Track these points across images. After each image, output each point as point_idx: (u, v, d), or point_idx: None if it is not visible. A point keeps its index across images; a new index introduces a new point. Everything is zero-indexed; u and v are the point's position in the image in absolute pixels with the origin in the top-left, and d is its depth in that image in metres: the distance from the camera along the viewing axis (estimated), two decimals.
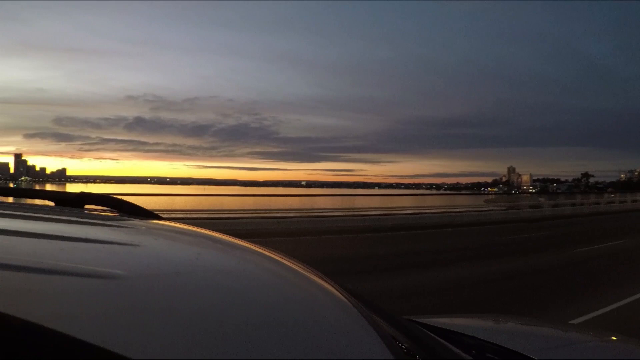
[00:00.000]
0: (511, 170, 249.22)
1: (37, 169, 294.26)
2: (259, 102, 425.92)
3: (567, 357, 1.23)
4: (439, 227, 15.19)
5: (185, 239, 0.92)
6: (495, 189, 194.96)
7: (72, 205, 1.07)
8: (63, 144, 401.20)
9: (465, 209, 20.97)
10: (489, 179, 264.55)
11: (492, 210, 22.10)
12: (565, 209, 24.55)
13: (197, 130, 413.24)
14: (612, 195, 37.02)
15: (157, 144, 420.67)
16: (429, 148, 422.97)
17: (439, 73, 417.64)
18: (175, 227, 1.00)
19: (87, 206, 1.07)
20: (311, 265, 0.89)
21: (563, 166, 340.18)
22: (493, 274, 7.22)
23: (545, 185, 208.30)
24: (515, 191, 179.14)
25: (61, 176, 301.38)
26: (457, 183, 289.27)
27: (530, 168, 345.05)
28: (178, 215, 13.10)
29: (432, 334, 1.00)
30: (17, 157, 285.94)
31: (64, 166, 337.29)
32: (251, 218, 14.94)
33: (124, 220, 0.97)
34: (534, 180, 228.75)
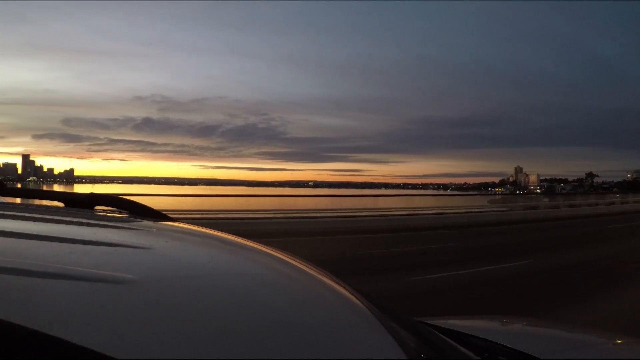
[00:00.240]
0: (518, 170, 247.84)
1: (45, 169, 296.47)
2: (267, 102, 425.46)
3: None
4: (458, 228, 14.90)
5: (196, 240, 0.91)
6: (502, 189, 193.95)
7: (81, 206, 1.06)
8: (71, 145, 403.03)
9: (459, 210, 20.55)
10: (497, 179, 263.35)
11: (480, 212, 21.34)
12: (561, 210, 23.60)
13: (205, 130, 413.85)
14: (618, 195, 36.56)
15: (165, 144, 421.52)
16: (437, 148, 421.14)
17: (447, 73, 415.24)
18: (185, 228, 1.00)
19: (96, 207, 1.07)
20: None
21: (572, 166, 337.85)
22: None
23: (551, 186, 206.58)
24: (521, 191, 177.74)
25: (69, 177, 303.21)
26: (465, 183, 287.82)
27: (539, 168, 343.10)
28: (186, 216, 13.12)
29: (443, 336, 0.99)
30: (25, 157, 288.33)
31: (71, 167, 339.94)
32: (271, 218, 14.90)
33: (134, 221, 0.96)
34: (542, 180, 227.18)
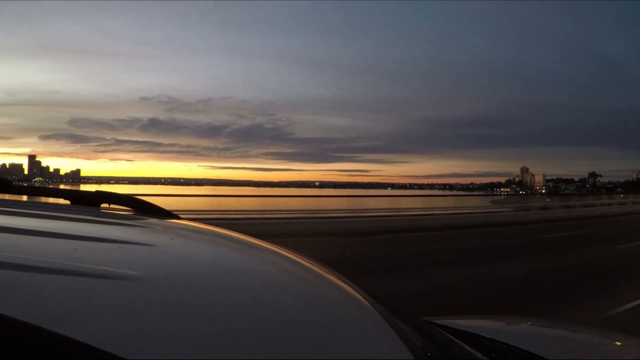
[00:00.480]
0: (524, 170, 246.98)
1: (51, 170, 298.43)
2: (273, 102, 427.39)
3: None
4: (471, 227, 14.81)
5: (202, 238, 0.91)
6: (508, 190, 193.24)
7: (87, 203, 1.06)
8: (78, 145, 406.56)
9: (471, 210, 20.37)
10: (503, 179, 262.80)
11: (472, 212, 20.83)
12: (555, 211, 23.04)
13: (212, 131, 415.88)
14: (622, 195, 36.27)
15: (171, 145, 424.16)
16: (443, 148, 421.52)
17: (454, 73, 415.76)
18: (191, 226, 0.99)
19: (102, 205, 1.07)
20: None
21: (578, 166, 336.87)
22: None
23: (556, 186, 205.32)
24: (525, 192, 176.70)
25: (75, 177, 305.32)
26: (471, 183, 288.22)
27: (545, 168, 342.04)
28: (192, 216, 13.12)
29: (451, 336, 0.98)
30: (31, 158, 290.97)
31: (78, 167, 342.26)
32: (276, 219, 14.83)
33: (140, 219, 0.96)
34: (547, 180, 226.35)
